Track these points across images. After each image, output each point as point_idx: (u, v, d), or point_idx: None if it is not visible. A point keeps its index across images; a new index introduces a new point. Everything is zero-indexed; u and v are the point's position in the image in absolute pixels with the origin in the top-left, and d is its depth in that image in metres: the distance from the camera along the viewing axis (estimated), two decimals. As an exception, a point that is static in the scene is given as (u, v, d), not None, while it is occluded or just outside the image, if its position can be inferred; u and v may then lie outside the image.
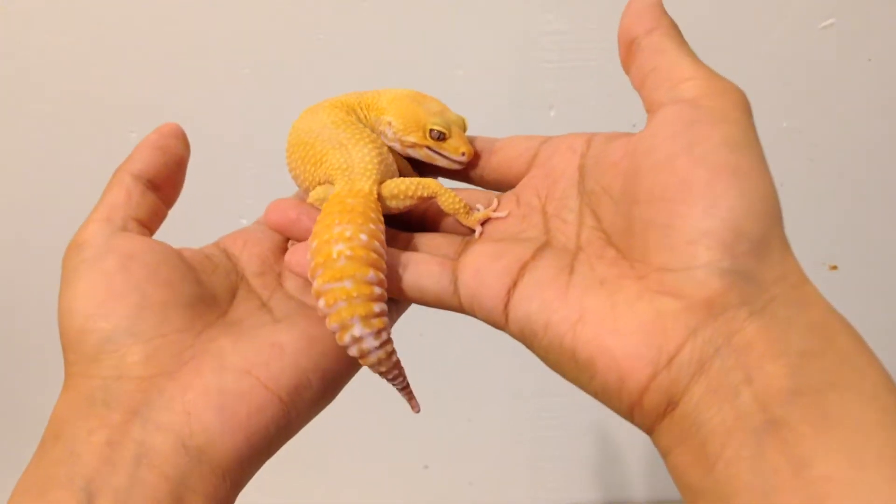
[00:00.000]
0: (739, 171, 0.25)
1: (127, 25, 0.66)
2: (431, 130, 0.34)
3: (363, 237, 0.28)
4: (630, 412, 0.25)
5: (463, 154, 0.34)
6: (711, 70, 0.28)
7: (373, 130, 0.35)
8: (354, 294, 0.27)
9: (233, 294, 0.33)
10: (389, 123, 0.35)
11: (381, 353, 0.28)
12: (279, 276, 0.34)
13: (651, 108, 0.28)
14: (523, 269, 0.28)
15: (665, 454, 0.25)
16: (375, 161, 0.32)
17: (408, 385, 0.31)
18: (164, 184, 0.33)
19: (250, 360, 0.29)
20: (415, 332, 0.82)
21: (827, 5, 0.66)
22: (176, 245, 0.32)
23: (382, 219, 0.30)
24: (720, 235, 0.24)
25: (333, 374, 0.31)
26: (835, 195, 0.75)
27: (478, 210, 0.33)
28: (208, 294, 0.31)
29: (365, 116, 0.36)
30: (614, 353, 0.24)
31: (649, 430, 0.25)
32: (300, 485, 0.93)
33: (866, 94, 0.71)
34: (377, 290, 0.28)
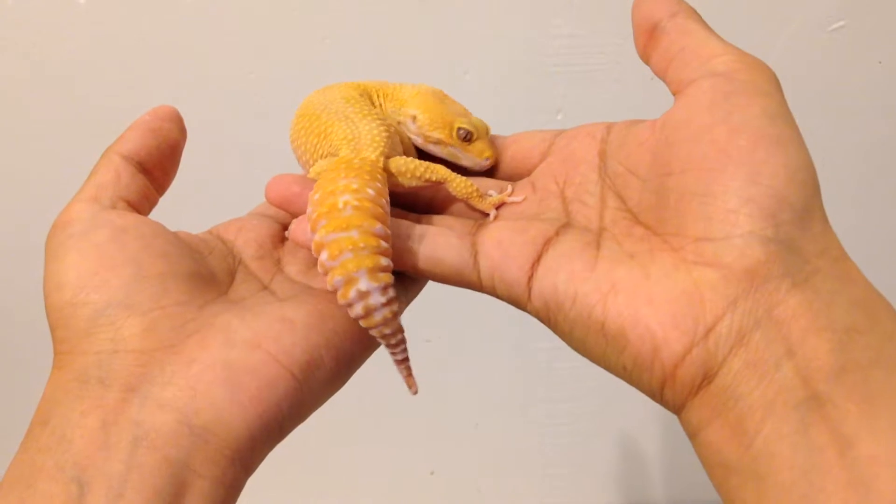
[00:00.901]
0: (781, 141, 0.24)
1: (132, 29, 0.66)
2: (459, 129, 0.33)
3: (370, 191, 0.27)
4: (661, 387, 0.24)
5: (487, 158, 0.34)
6: (739, 48, 0.27)
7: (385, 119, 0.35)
8: (361, 244, 0.26)
9: (231, 276, 0.31)
10: (414, 117, 0.34)
11: (386, 312, 0.27)
12: (279, 261, 0.33)
13: (680, 86, 0.27)
14: (547, 243, 0.27)
15: (695, 432, 0.24)
16: (384, 135, 0.31)
17: (408, 358, 0.29)
18: (155, 167, 0.31)
19: (260, 334, 0.27)
20: (421, 337, 0.81)
21: (836, 8, 0.66)
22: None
23: (387, 189, 0.29)
24: (763, 203, 0.23)
25: (347, 353, 0.29)
26: (845, 199, 0.75)
27: (491, 195, 0.32)
28: (207, 271, 0.29)
29: (381, 104, 0.36)
30: (648, 323, 0.24)
31: (679, 407, 0.24)
32: (305, 490, 0.92)
33: (876, 96, 0.70)
34: (384, 244, 0.27)
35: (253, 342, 0.26)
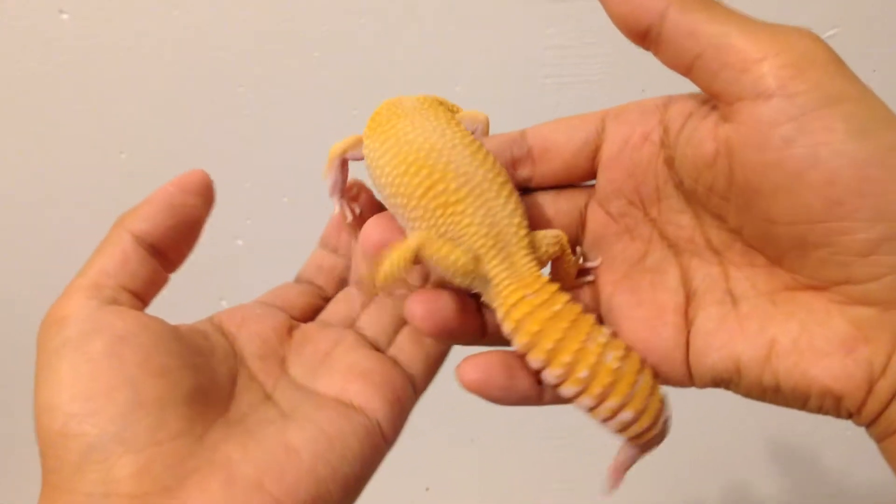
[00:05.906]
0: (886, 162, 0.22)
1: (117, 45, 0.65)
2: None
3: (606, 331, 0.27)
4: (850, 416, 0.24)
5: None
6: (765, 28, 0.23)
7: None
8: (649, 389, 0.27)
9: (233, 382, 0.29)
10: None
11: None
12: (283, 361, 0.31)
13: (720, 98, 0.24)
14: (685, 319, 0.27)
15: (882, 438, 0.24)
16: (525, 224, 0.28)
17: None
18: (170, 249, 0.29)
19: (262, 469, 0.25)
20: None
21: (830, 15, 0.66)
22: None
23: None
24: None
25: (355, 479, 0.27)
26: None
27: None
28: (208, 383, 0.28)
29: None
30: (823, 382, 0.23)
31: (880, 438, 0.25)
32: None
33: (871, 105, 0.70)
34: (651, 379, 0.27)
35: (255, 481, 0.25)
